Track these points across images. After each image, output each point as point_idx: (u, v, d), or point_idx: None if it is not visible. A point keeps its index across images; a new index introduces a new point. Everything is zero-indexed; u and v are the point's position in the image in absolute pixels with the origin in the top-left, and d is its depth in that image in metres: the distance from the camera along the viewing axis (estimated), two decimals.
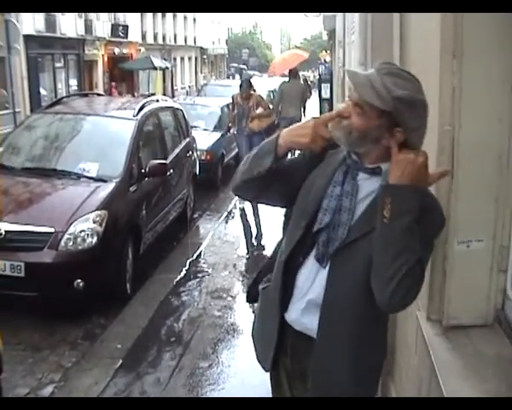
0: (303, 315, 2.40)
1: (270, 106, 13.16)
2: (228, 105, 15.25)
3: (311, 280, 2.38)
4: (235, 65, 66.94)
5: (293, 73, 15.85)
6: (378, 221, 2.18)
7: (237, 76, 55.37)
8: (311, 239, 2.38)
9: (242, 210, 10.59)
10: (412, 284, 2.15)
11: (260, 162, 2.38)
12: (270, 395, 2.77)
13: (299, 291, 2.42)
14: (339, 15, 17.14)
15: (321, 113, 20.16)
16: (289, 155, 2.51)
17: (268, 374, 2.72)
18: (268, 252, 7.85)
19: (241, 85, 11.91)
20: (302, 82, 18.95)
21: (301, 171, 2.47)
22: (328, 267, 2.33)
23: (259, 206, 9.20)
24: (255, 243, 9.22)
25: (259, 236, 9.52)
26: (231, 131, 13.09)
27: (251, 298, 2.88)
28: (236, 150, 15.54)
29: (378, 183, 2.27)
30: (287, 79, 16.24)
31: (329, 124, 2.30)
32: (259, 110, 11.58)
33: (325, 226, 2.33)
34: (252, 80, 12.60)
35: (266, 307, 2.61)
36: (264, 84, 23.63)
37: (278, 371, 2.60)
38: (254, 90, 11.94)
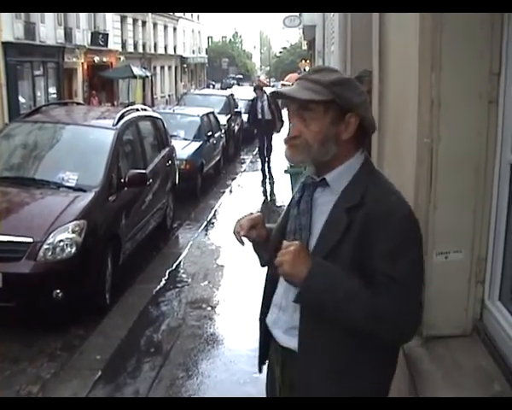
0: (286, 333, 2.32)
1: None
2: (207, 115, 15.29)
3: (287, 299, 2.31)
4: (233, 75, 69.29)
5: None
6: None
7: (217, 85, 55.72)
8: None
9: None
10: None
11: None
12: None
13: (277, 307, 2.38)
14: (318, 25, 17.25)
15: None
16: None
17: (248, 385, 2.70)
18: None
19: None
20: None
21: None
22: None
23: None
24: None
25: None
26: None
27: None
28: (217, 159, 15.53)
29: (330, 194, 2.23)
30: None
31: (287, 151, 2.26)
32: None
33: None
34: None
35: None
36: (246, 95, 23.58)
37: (274, 383, 2.50)
38: None
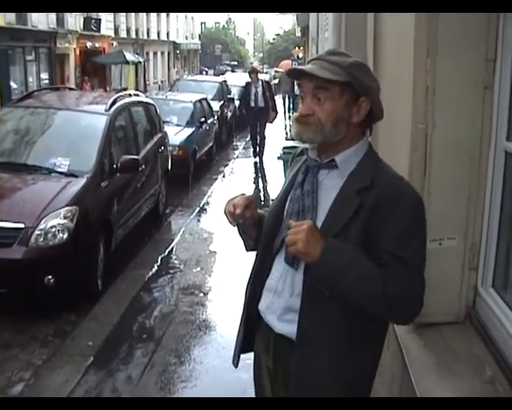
0: (281, 319, 2.30)
1: None
2: (200, 101, 15.23)
3: (283, 283, 2.29)
4: (228, 62, 69.96)
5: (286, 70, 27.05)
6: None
7: (210, 71, 55.65)
8: (279, 244, 2.31)
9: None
10: None
11: None
12: (242, 393, 2.75)
13: (271, 291, 2.34)
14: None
15: (294, 108, 20.18)
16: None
17: (240, 371, 2.68)
18: None
19: None
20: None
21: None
22: (302, 271, 2.22)
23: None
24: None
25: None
26: None
27: None
28: (209, 145, 15.47)
29: (337, 177, 2.23)
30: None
31: (296, 128, 2.25)
32: None
33: None
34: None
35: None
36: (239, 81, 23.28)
37: (261, 373, 2.49)
38: None
